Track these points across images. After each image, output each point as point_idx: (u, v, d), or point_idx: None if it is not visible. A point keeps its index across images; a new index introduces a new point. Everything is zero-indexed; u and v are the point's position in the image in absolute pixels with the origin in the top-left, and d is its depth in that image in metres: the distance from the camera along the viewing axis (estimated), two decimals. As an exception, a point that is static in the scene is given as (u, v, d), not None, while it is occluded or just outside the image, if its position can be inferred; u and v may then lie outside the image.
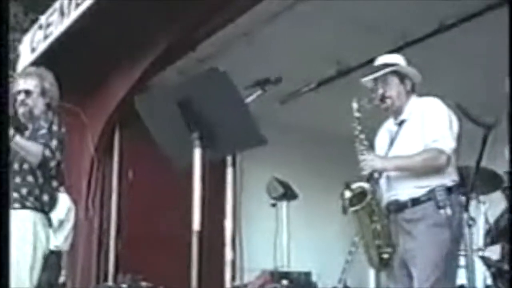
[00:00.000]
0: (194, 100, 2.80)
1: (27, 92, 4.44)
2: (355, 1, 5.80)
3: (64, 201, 6.94)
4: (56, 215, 6.28)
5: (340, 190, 3.94)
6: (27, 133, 4.35)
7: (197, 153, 2.85)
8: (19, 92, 4.44)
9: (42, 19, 7.52)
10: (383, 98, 4.04)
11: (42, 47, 7.28)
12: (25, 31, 8.85)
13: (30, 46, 7.71)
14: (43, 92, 4.47)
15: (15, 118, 4.39)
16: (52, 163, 4.22)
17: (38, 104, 4.45)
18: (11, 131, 4.12)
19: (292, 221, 7.25)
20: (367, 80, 4.10)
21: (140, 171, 7.60)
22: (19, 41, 9.01)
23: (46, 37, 7.30)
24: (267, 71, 3.84)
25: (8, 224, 3.22)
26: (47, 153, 4.16)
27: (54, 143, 4.23)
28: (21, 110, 4.42)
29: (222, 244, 3.38)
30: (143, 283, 6.58)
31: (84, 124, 7.50)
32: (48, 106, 4.48)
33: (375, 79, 4.07)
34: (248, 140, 2.91)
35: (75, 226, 7.06)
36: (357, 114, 4.00)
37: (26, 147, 4.16)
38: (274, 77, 3.71)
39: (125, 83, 6.97)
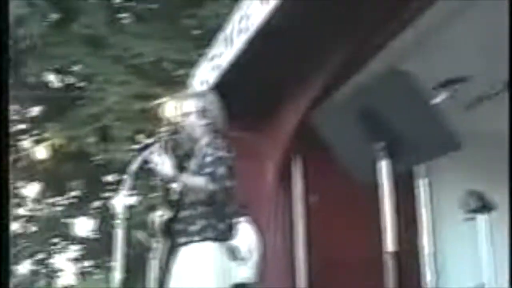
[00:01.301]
0: (377, 106, 2.61)
1: (186, 114, 4.43)
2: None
3: (248, 232, 7.03)
4: (241, 246, 6.33)
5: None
6: (193, 162, 4.34)
7: (383, 165, 2.67)
8: (181, 115, 4.44)
9: (209, 51, 7.71)
10: None
11: (211, 78, 7.41)
12: (193, 65, 9.14)
13: (200, 79, 7.91)
14: (202, 112, 4.42)
15: (179, 157, 4.38)
16: (221, 193, 4.16)
17: (197, 125, 4.40)
18: (173, 171, 4.11)
19: (493, 235, 6.86)
20: None
21: (324, 193, 7.42)
22: (192, 75, 9.35)
23: (214, 68, 7.46)
24: (447, 74, 3.63)
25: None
26: (211, 186, 4.09)
27: (220, 171, 4.16)
28: (183, 134, 4.42)
29: (416, 265, 3.17)
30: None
31: (261, 152, 7.56)
32: (211, 128, 4.43)
33: None
34: (440, 146, 2.68)
35: (262, 257, 7.14)
36: None
37: (190, 185, 4.17)
38: (458, 77, 3.49)
39: (300, 105, 6.88)
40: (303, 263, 7.42)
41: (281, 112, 7.32)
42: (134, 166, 4.46)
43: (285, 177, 7.59)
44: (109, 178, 16.03)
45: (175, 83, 12.98)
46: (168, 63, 12.89)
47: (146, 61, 12.69)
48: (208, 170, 4.15)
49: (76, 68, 13.06)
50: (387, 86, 2.62)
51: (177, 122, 4.42)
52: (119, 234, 6.82)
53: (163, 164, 4.14)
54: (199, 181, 4.14)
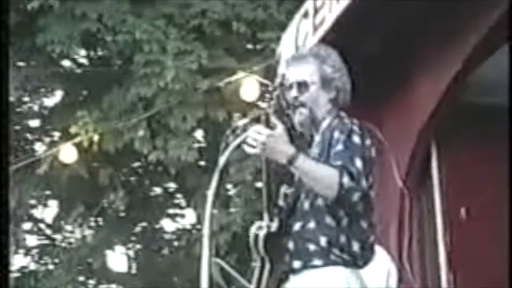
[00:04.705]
0: None
1: (301, 85, 4.35)
2: None
3: (381, 258, 6.95)
4: (374, 275, 6.36)
5: None
6: (313, 150, 4.31)
7: None
8: (289, 86, 4.36)
9: (309, 4, 7.62)
10: None
11: (313, 41, 7.28)
12: (283, 27, 9.07)
13: (294, 44, 7.83)
14: (324, 82, 4.34)
15: (290, 130, 4.28)
16: (356, 194, 4.04)
17: (319, 101, 4.33)
18: (292, 150, 4.03)
19: None
20: None
21: (477, 206, 7.39)
22: (276, 41, 9.27)
23: (316, 28, 7.40)
24: None
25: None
26: (346, 181, 3.97)
27: (357, 163, 4.08)
28: (297, 117, 4.34)
29: None
30: None
31: (382, 146, 7.46)
32: (336, 103, 4.38)
33: None
34: None
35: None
36: None
37: (315, 174, 4.06)
38: None
39: (438, 82, 6.90)
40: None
41: (411, 93, 7.30)
42: (226, 154, 4.35)
43: (419, 182, 7.60)
44: (159, 189, 16.15)
45: (254, 53, 13.00)
46: (242, 25, 12.82)
47: (212, 22, 12.68)
48: (339, 162, 4.06)
49: (115, 33, 12.94)
50: None
51: (282, 97, 4.28)
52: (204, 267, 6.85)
53: (277, 138, 4.06)
54: (327, 171, 4.05)
